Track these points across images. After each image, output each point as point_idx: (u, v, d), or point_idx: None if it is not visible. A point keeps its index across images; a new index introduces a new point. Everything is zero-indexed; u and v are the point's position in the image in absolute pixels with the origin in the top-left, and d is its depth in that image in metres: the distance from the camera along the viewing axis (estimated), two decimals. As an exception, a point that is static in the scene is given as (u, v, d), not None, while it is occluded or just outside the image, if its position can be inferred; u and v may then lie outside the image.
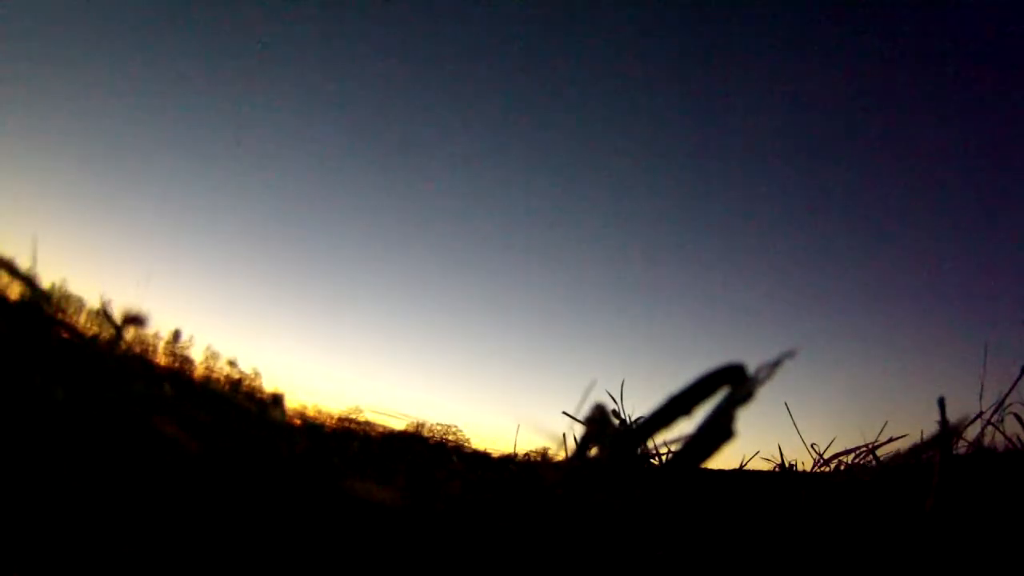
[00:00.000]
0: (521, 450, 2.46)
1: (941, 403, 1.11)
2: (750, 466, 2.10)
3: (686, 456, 0.77)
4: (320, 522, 0.70)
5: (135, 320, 1.32)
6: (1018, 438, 1.57)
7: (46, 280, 1.30)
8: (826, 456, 1.93)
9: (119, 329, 1.27)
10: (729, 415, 0.74)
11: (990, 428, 1.59)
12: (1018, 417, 1.57)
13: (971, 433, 1.60)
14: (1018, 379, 1.52)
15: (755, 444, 2.11)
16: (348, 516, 0.70)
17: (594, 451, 0.85)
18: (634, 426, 1.82)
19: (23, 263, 1.18)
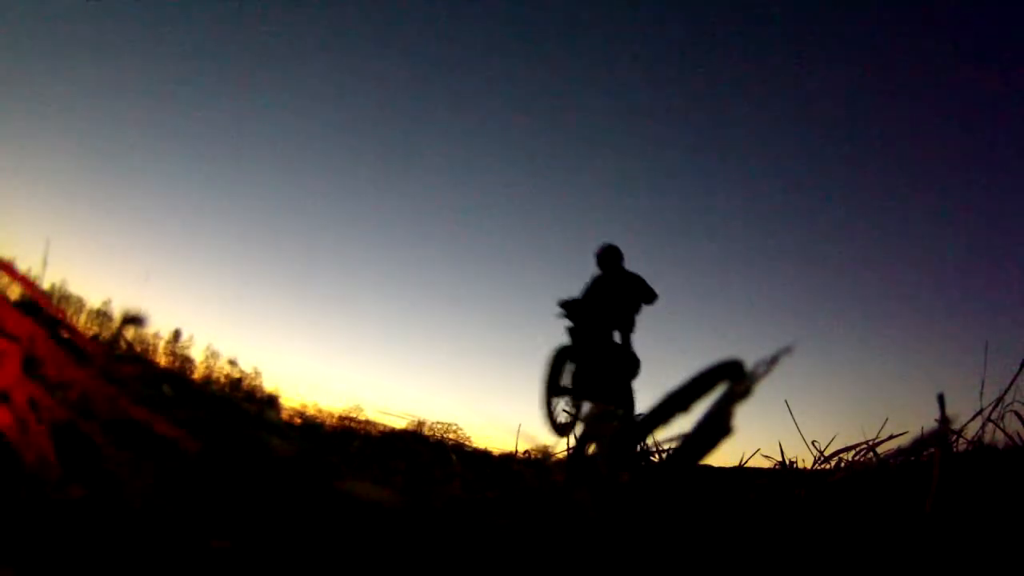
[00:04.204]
0: (521, 448, 2.46)
1: (941, 400, 1.11)
2: (750, 463, 2.09)
3: (685, 453, 0.77)
4: (315, 522, 0.69)
5: (135, 320, 1.32)
6: (1018, 435, 1.56)
7: (46, 281, 1.30)
8: (826, 453, 1.92)
9: (119, 329, 1.27)
10: (727, 411, 0.74)
11: (990, 425, 1.58)
12: (1018, 415, 1.57)
13: (971, 430, 1.60)
14: (1016, 375, 1.51)
15: (755, 441, 2.11)
16: (344, 516, 0.70)
17: (593, 449, 0.85)
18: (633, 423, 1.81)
19: (24, 264, 1.18)
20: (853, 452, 1.83)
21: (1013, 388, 1.56)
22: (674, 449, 0.80)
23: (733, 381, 0.74)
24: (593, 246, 3.94)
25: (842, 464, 1.86)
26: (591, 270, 3.93)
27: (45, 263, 1.31)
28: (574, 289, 3.91)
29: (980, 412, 1.60)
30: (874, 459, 1.73)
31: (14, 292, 1.16)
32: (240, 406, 1.09)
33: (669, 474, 0.86)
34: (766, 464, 2.09)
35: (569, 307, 3.90)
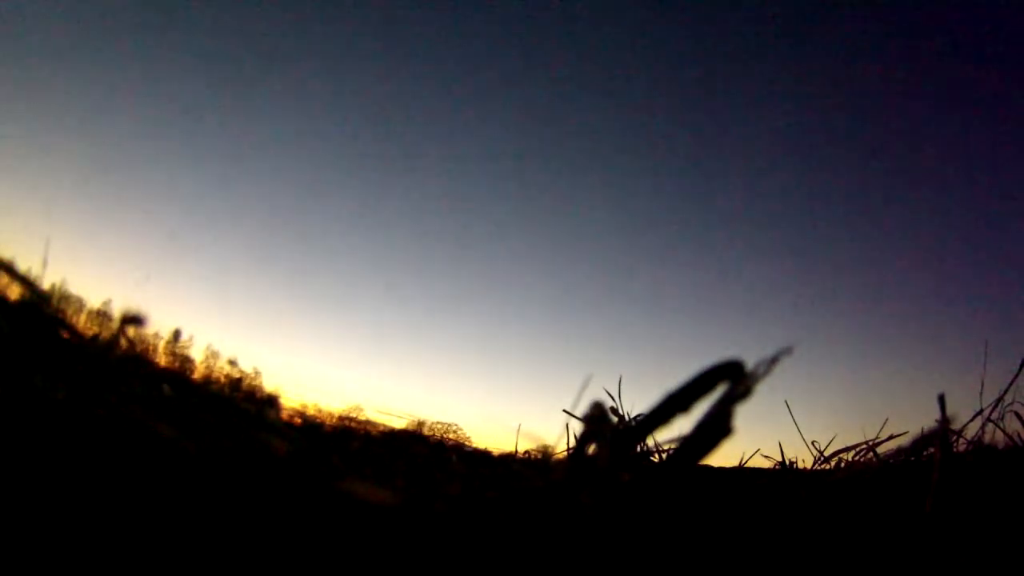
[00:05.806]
0: (521, 448, 2.46)
1: (941, 400, 1.11)
2: (750, 464, 2.09)
3: (685, 453, 0.77)
4: (316, 522, 0.70)
5: (135, 320, 1.32)
6: (1018, 435, 1.56)
7: (46, 281, 1.30)
8: (826, 454, 1.93)
9: (119, 329, 1.27)
10: (727, 412, 0.74)
11: (990, 425, 1.58)
12: (1018, 415, 1.57)
13: (971, 430, 1.60)
14: (1016, 375, 1.52)
15: (755, 442, 2.11)
16: (344, 516, 0.70)
17: (593, 448, 0.85)
18: (633, 423, 1.82)
19: (24, 264, 1.18)
20: (853, 452, 1.83)
21: (1013, 388, 1.56)
22: (674, 449, 0.80)
23: (733, 381, 0.74)
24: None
25: (842, 464, 1.86)
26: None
27: (45, 263, 1.31)
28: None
29: (980, 412, 1.60)
30: (874, 459, 1.73)
31: (14, 292, 1.16)
32: (240, 406, 1.09)
33: (669, 474, 0.86)
34: (766, 464, 2.09)
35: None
